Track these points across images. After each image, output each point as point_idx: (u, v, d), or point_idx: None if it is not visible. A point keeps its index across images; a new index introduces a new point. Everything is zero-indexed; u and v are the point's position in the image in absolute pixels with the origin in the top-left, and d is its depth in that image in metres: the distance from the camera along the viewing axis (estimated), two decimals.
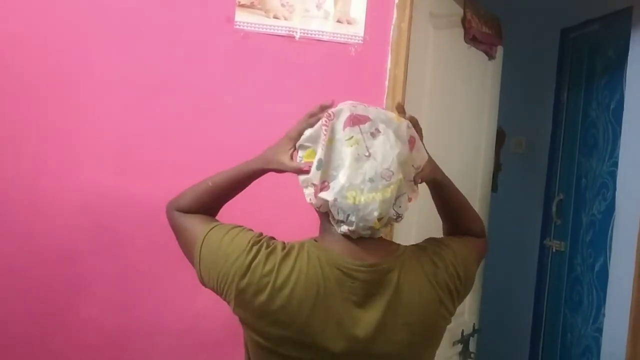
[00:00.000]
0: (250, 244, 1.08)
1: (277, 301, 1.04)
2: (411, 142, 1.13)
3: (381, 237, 1.14)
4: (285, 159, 1.12)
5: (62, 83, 1.69)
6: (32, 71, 1.67)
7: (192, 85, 1.73)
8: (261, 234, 1.13)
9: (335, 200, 1.05)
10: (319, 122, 1.09)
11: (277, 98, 1.76)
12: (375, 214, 1.04)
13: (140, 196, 1.70)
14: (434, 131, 1.94)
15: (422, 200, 1.23)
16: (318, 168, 1.07)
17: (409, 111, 1.80)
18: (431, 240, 1.23)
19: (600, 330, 2.36)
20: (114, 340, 1.72)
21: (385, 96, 1.79)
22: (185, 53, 1.73)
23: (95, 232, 1.70)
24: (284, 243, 1.11)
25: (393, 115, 1.14)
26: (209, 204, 1.20)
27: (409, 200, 1.13)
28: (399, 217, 1.10)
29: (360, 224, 1.06)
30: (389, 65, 1.78)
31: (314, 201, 1.09)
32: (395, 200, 1.08)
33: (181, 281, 1.67)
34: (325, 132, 1.07)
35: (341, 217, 1.06)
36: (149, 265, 1.72)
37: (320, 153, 1.07)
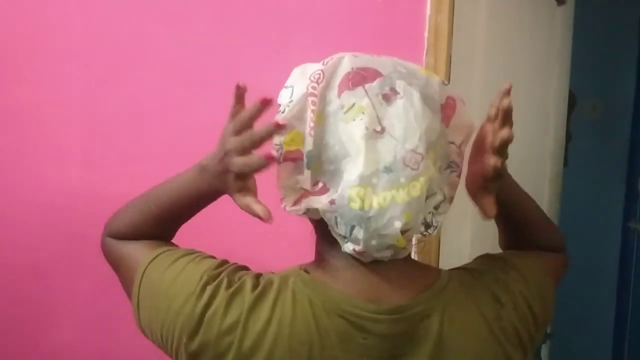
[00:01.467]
0: (202, 282, 0.72)
1: None
2: (448, 107, 0.76)
3: (409, 257, 0.76)
4: (230, 185, 0.74)
5: (13, 55, 1.46)
6: None
7: (173, 53, 1.45)
8: (223, 264, 0.76)
9: (332, 203, 0.69)
10: (302, 90, 0.72)
11: (284, 61, 1.38)
12: (398, 224, 0.67)
13: (115, 193, 1.37)
14: (490, 96, 1.61)
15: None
16: (309, 165, 0.71)
17: (457, 72, 1.48)
18: (488, 261, 0.85)
19: None
20: None
21: (424, 52, 1.42)
22: (164, 12, 1.44)
23: (62, 239, 1.47)
24: (257, 277, 0.74)
25: (417, 67, 0.77)
26: (155, 232, 0.85)
27: (449, 199, 0.76)
28: (430, 228, 0.73)
29: (373, 242, 0.69)
30: (428, 11, 1.42)
31: (290, 207, 0.74)
32: (426, 201, 0.71)
33: None
34: (313, 107, 0.70)
35: (342, 230, 0.70)
36: None
37: (309, 142, 0.71)
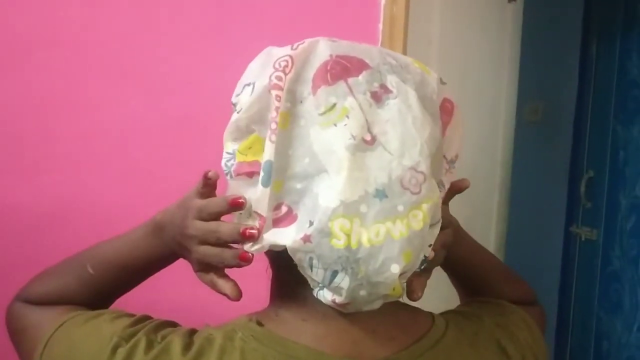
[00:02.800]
0: (112, 345, 0.55)
1: None
2: (446, 112, 0.62)
3: (397, 302, 0.61)
4: (191, 261, 0.60)
5: None
6: None
7: (88, 38, 1.26)
8: (142, 320, 0.59)
9: (306, 240, 0.52)
10: (265, 81, 0.56)
11: (220, 54, 1.27)
12: (395, 268, 0.52)
13: (17, 203, 1.22)
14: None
15: None
16: (266, 183, 0.54)
17: None
18: (481, 305, 0.72)
19: None
20: None
21: (379, 43, 1.29)
22: None
23: None
24: (190, 334, 0.57)
25: (409, 59, 0.62)
26: (89, 300, 0.68)
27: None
28: (424, 261, 0.58)
29: (362, 293, 0.53)
30: (383, 1, 1.28)
31: (250, 247, 0.57)
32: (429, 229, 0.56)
33: None
34: (278, 104, 0.54)
35: (319, 276, 0.53)
36: None
37: (269, 151, 0.54)
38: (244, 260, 0.55)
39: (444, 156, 0.62)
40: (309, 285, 0.56)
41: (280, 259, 0.57)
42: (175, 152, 1.25)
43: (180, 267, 0.68)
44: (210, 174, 0.59)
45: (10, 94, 1.24)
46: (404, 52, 1.30)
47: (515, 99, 2.04)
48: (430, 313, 0.64)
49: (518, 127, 2.92)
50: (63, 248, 1.21)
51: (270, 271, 0.62)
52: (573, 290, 2.59)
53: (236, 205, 0.55)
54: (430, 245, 0.57)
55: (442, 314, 0.66)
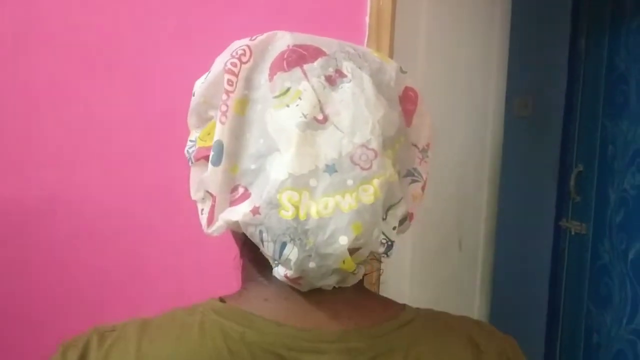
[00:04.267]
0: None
1: None
2: (408, 100, 0.63)
3: (362, 287, 0.62)
4: None
5: None
6: None
7: (73, 32, 1.24)
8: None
9: (255, 212, 0.54)
10: (219, 67, 0.58)
11: (205, 46, 1.23)
12: (344, 239, 0.52)
13: (10, 200, 1.21)
14: (434, 90, 1.52)
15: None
16: (215, 162, 0.56)
17: (400, 62, 1.38)
18: (469, 322, 0.68)
19: (637, 332, 2.07)
20: None
21: (365, 38, 1.29)
22: None
23: None
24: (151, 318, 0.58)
25: (369, 50, 0.64)
26: None
27: (409, 216, 0.62)
28: (390, 246, 0.58)
29: (312, 265, 0.53)
30: None
31: (208, 229, 0.58)
32: (386, 213, 0.57)
33: (65, 322, 1.18)
34: (229, 88, 0.56)
35: (270, 250, 0.54)
36: (18, 305, 1.22)
37: (219, 131, 0.56)
38: None
39: (415, 145, 0.63)
40: (270, 269, 0.56)
41: (245, 246, 0.60)
42: (162, 148, 1.24)
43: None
44: None
45: (16, 90, 1.24)
46: (391, 45, 1.29)
47: (504, 93, 1.99)
48: (404, 304, 0.64)
49: (508, 121, 2.95)
50: (50, 243, 1.22)
51: (241, 268, 0.63)
52: (563, 284, 2.61)
53: None
54: (394, 228, 0.58)
55: (416, 309, 0.65)
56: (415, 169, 0.63)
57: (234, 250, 0.64)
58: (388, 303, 0.64)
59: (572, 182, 2.48)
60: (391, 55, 1.31)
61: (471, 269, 1.90)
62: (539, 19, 2.72)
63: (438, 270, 1.69)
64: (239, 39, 0.74)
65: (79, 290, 1.20)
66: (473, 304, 1.93)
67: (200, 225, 0.60)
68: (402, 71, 0.63)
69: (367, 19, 1.28)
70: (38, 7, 1.24)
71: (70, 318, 1.23)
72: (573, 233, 2.51)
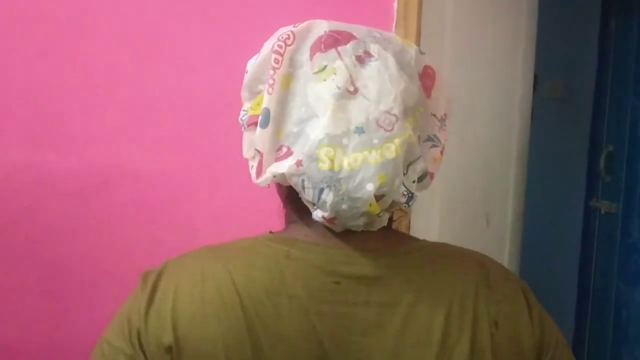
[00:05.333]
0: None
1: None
2: (427, 76, 0.73)
3: (390, 228, 0.73)
4: None
5: None
6: None
7: (123, 24, 1.35)
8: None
9: (299, 164, 0.65)
10: (267, 49, 0.70)
11: (243, 30, 1.36)
12: (370, 186, 0.64)
13: (64, 174, 1.33)
14: (460, 71, 1.59)
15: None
16: (263, 125, 0.68)
17: (427, 45, 1.45)
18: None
19: None
20: None
21: (394, 24, 1.38)
22: None
23: (6, 226, 1.34)
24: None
25: (393, 34, 0.76)
26: None
27: (430, 175, 0.73)
28: (410, 197, 0.68)
29: (344, 207, 0.65)
30: None
31: (257, 180, 0.70)
32: (407, 168, 0.68)
33: (122, 284, 1.30)
34: (275, 65, 0.68)
35: (310, 195, 0.66)
36: (80, 266, 1.35)
37: (266, 100, 0.67)
38: None
39: (434, 115, 0.73)
40: (310, 215, 0.68)
41: (288, 196, 0.72)
42: (206, 124, 1.35)
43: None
44: None
45: (57, 75, 1.34)
46: (418, 28, 1.38)
47: (532, 75, 2.04)
48: (423, 239, 0.76)
49: (539, 102, 2.98)
50: (105, 214, 1.34)
51: (284, 215, 0.75)
52: (593, 262, 2.64)
53: None
54: (414, 182, 0.68)
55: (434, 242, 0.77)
56: (435, 135, 0.73)
57: (274, 218, 0.76)
58: (408, 236, 0.77)
59: (602, 162, 2.50)
60: (418, 38, 1.39)
61: (499, 245, 1.95)
62: (567, 2, 2.73)
63: (466, 244, 1.74)
64: (275, 24, 0.85)
65: (132, 256, 1.33)
66: None
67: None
68: (421, 52, 0.73)
69: (395, 5, 1.37)
70: None
71: (124, 283, 1.36)
72: (603, 212, 2.53)
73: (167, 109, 1.34)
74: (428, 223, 1.56)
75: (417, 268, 0.70)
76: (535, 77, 3.00)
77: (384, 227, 0.69)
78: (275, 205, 0.77)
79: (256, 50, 0.75)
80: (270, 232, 0.73)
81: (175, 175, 1.33)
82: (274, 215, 0.78)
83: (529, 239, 2.28)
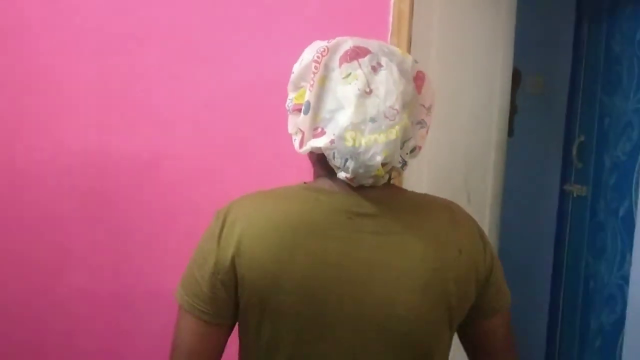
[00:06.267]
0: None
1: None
2: (419, 79, 1.00)
3: (388, 183, 1.01)
4: None
5: (37, 31, 1.59)
6: (5, 20, 1.58)
7: (175, 31, 1.61)
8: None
9: (332, 142, 0.92)
10: (309, 58, 0.96)
11: (270, 38, 1.62)
12: (379, 158, 0.91)
13: (126, 153, 1.59)
14: (445, 73, 1.83)
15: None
16: (305, 112, 0.94)
17: (417, 50, 1.70)
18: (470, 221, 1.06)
19: (625, 278, 2.25)
20: (106, 307, 1.65)
21: (389, 33, 1.65)
22: None
23: (79, 195, 1.61)
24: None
25: (396, 49, 1.01)
26: None
27: (417, 148, 1.00)
28: (404, 163, 0.97)
29: (361, 170, 0.92)
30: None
31: (300, 149, 0.97)
32: (403, 145, 0.95)
33: (172, 242, 1.58)
34: (315, 70, 0.94)
35: (338, 162, 0.93)
36: (138, 227, 1.62)
37: (308, 95, 0.94)
38: None
39: (423, 105, 1.00)
40: (334, 173, 0.95)
41: (318, 161, 0.99)
42: (246, 115, 1.58)
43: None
44: None
45: (121, 74, 1.59)
46: (409, 37, 1.64)
47: (510, 73, 2.24)
48: (411, 191, 1.05)
49: (522, 97, 3.18)
50: (156, 187, 1.60)
51: (311, 170, 1.03)
52: (566, 239, 2.85)
53: None
54: (407, 154, 0.96)
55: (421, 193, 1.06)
56: (422, 120, 1.00)
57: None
58: (401, 189, 1.05)
59: (574, 151, 2.70)
60: (409, 45, 1.65)
61: (479, 221, 2.17)
62: (544, 9, 2.93)
63: None
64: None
65: (180, 218, 1.58)
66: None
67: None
68: (415, 62, 1.00)
69: (390, 18, 1.63)
70: (139, 9, 1.61)
71: (174, 239, 1.62)
72: (575, 195, 2.74)
73: (212, 102, 1.59)
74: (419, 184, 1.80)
75: (404, 210, 0.97)
76: (520, 75, 3.22)
77: (385, 183, 0.97)
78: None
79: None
80: (305, 182, 1.01)
81: (214, 158, 1.58)
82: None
83: (509, 219, 2.49)
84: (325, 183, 0.99)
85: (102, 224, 1.63)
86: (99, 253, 1.64)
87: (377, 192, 0.97)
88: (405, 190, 1.05)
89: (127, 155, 1.58)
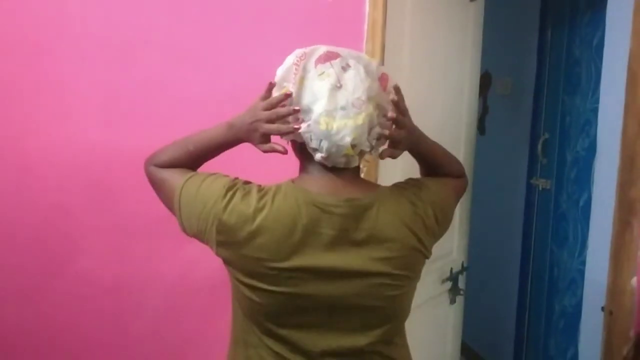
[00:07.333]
0: (225, 189, 1.12)
1: (257, 239, 1.08)
2: (383, 79, 1.18)
3: (358, 173, 1.18)
4: (256, 139, 1.15)
5: (48, 36, 1.70)
6: (19, 24, 1.68)
7: (172, 37, 1.75)
8: (236, 179, 1.16)
9: (308, 126, 1.09)
10: (290, 62, 1.13)
11: (256, 45, 1.77)
12: (348, 139, 1.08)
13: (129, 149, 1.72)
14: (416, 76, 1.96)
15: (406, 154, 1.24)
16: (290, 104, 1.12)
17: (390, 56, 1.85)
18: (411, 182, 1.27)
19: (584, 263, 2.40)
20: (110, 290, 1.78)
21: (364, 41, 1.79)
22: (166, 6, 1.75)
23: (86, 187, 1.74)
24: (260, 186, 1.14)
25: (363, 54, 1.20)
26: (188, 164, 1.23)
27: (384, 137, 1.16)
28: (373, 149, 1.15)
29: (334, 150, 1.09)
30: (367, 9, 1.78)
31: (283, 137, 1.15)
32: (370, 131, 1.12)
33: (173, 231, 1.71)
34: (295, 72, 1.11)
35: (314, 144, 1.10)
36: (141, 217, 1.76)
37: (291, 91, 1.11)
38: (297, 129, 1.09)
39: (387, 101, 1.15)
40: (312, 159, 1.12)
41: (299, 148, 1.15)
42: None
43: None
44: (271, 83, 1.14)
45: (125, 75, 1.71)
46: (382, 45, 1.77)
47: (478, 76, 2.38)
48: (378, 184, 1.21)
49: (492, 98, 3.35)
50: None
51: (296, 159, 1.19)
52: (533, 230, 3.01)
53: (288, 95, 1.10)
54: (374, 140, 1.12)
55: (385, 186, 1.21)
56: (387, 114, 1.15)
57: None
58: (371, 183, 1.22)
59: (540, 147, 2.86)
60: (383, 51, 1.78)
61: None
62: (514, 16, 3.08)
63: None
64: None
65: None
66: (452, 244, 2.30)
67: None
68: (380, 65, 1.19)
69: (365, 27, 1.78)
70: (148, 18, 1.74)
71: (169, 236, 1.73)
72: (541, 188, 2.90)
73: (203, 104, 1.74)
74: (393, 173, 1.94)
75: (377, 200, 1.13)
76: (491, 77, 3.39)
77: (358, 181, 1.15)
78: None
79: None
80: (292, 180, 1.15)
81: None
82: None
83: (479, 211, 2.62)
84: (308, 183, 1.14)
85: (107, 214, 1.75)
86: (104, 241, 1.76)
87: (351, 192, 1.13)
88: (376, 186, 1.21)
89: (129, 151, 1.70)
